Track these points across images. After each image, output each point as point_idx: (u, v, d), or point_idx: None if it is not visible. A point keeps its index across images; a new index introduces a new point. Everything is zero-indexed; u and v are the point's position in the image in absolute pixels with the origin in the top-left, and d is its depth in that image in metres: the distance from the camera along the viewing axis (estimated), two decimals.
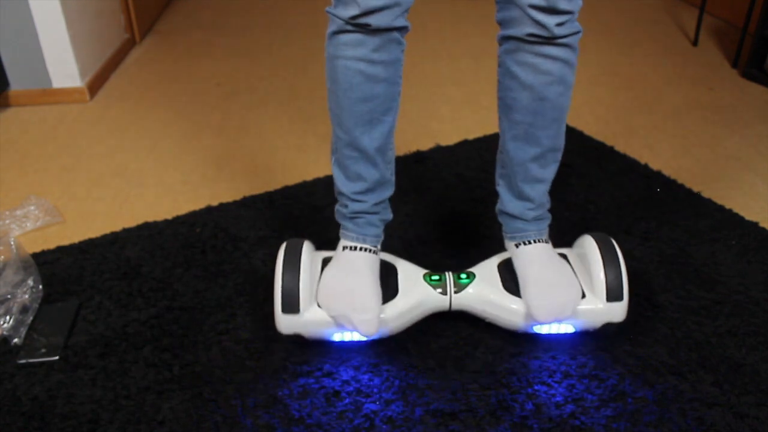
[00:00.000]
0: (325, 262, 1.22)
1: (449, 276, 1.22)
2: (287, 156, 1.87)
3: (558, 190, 1.57)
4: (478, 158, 1.82)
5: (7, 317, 1.24)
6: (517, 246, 1.23)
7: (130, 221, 1.57)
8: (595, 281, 1.18)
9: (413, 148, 1.87)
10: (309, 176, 1.75)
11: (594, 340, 1.20)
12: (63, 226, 1.58)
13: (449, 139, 1.93)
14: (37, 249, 1.47)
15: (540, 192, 1.22)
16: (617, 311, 1.18)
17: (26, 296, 1.29)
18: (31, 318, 1.26)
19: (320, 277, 1.17)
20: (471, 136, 1.94)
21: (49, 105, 2.19)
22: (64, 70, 2.17)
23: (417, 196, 1.65)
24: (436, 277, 1.21)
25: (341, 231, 1.23)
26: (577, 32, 1.07)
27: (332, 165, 1.19)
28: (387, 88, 1.09)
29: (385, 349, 1.19)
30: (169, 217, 1.58)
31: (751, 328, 1.24)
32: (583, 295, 1.18)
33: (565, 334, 1.21)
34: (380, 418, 1.06)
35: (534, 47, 1.07)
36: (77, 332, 1.24)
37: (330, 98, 1.12)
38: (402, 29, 1.06)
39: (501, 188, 1.25)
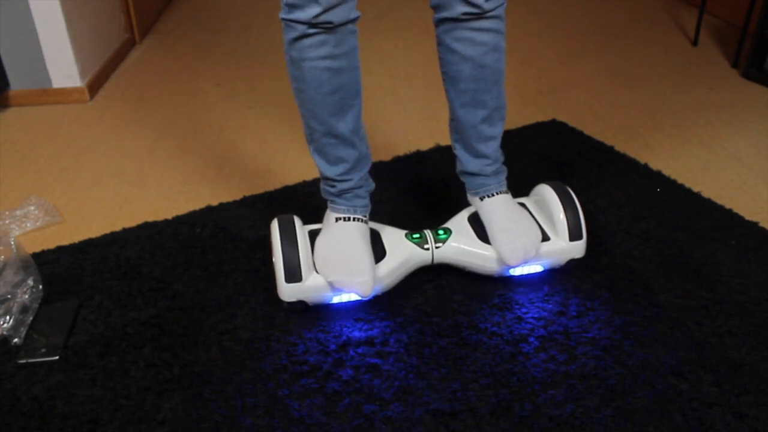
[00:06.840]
0: (311, 234, 1.31)
1: (429, 233, 1.33)
2: (287, 156, 1.87)
3: None
4: None
5: (7, 317, 1.24)
6: (481, 199, 1.36)
7: (130, 221, 1.57)
8: (557, 224, 1.32)
9: (413, 148, 1.87)
10: (309, 176, 1.75)
11: (595, 340, 1.21)
12: (63, 226, 1.58)
13: (449, 139, 1.92)
14: (37, 249, 1.47)
15: (493, 148, 1.34)
16: (579, 248, 1.33)
17: (26, 296, 1.29)
18: (31, 318, 1.26)
19: (312, 248, 1.27)
20: None
21: (49, 105, 2.19)
22: (64, 70, 2.17)
23: (417, 196, 1.65)
24: (417, 236, 1.32)
25: (330, 204, 1.32)
26: (502, 3, 1.20)
27: (312, 154, 1.28)
28: (351, 76, 1.19)
29: (386, 349, 1.19)
30: (169, 217, 1.58)
31: (751, 328, 1.24)
32: (548, 238, 1.32)
33: (564, 329, 1.22)
34: (380, 419, 1.06)
35: (469, 23, 1.19)
36: (77, 332, 1.24)
37: (299, 97, 1.21)
38: (355, 20, 1.15)
39: (458, 151, 1.38)
